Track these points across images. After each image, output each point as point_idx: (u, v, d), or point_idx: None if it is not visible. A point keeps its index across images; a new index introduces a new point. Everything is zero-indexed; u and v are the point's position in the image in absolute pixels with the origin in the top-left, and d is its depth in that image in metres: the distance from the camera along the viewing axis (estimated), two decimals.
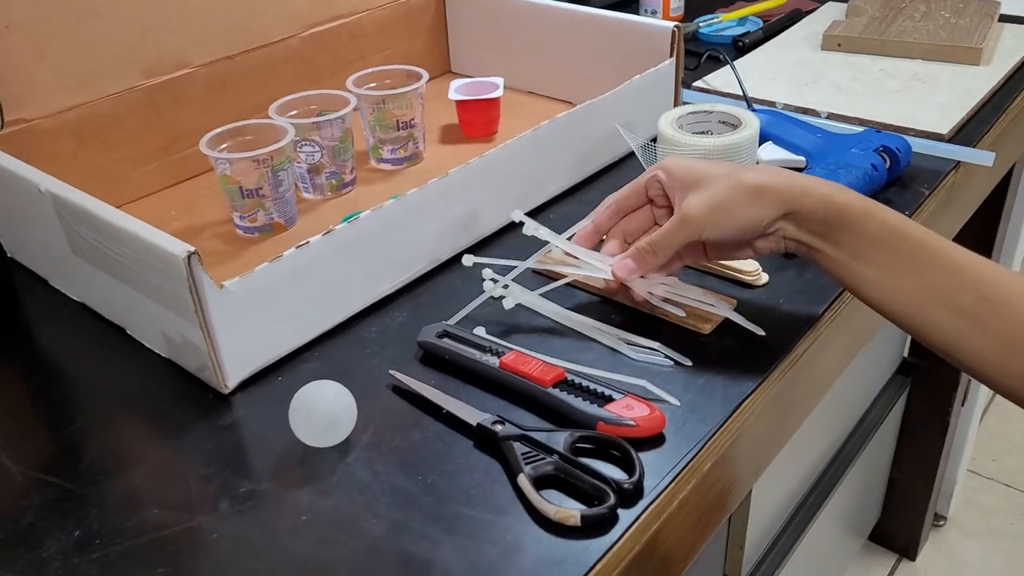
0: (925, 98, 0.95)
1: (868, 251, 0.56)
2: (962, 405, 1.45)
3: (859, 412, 1.27)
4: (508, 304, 0.66)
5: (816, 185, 0.58)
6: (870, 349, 1.21)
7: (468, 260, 0.68)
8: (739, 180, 0.58)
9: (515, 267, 0.67)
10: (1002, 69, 1.00)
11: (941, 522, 1.67)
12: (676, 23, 0.88)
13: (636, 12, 1.25)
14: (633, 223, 0.65)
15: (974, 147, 0.88)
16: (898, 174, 0.81)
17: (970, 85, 0.97)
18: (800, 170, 0.77)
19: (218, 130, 0.77)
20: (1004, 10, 1.13)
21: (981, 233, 1.24)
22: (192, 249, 0.55)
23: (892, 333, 1.31)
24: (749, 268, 0.70)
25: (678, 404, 0.57)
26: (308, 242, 0.62)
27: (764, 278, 0.69)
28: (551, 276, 0.68)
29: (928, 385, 1.39)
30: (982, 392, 1.51)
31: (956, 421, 1.44)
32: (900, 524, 1.55)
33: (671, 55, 0.89)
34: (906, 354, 1.39)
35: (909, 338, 1.38)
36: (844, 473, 1.20)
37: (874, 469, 1.42)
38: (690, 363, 0.60)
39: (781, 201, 0.58)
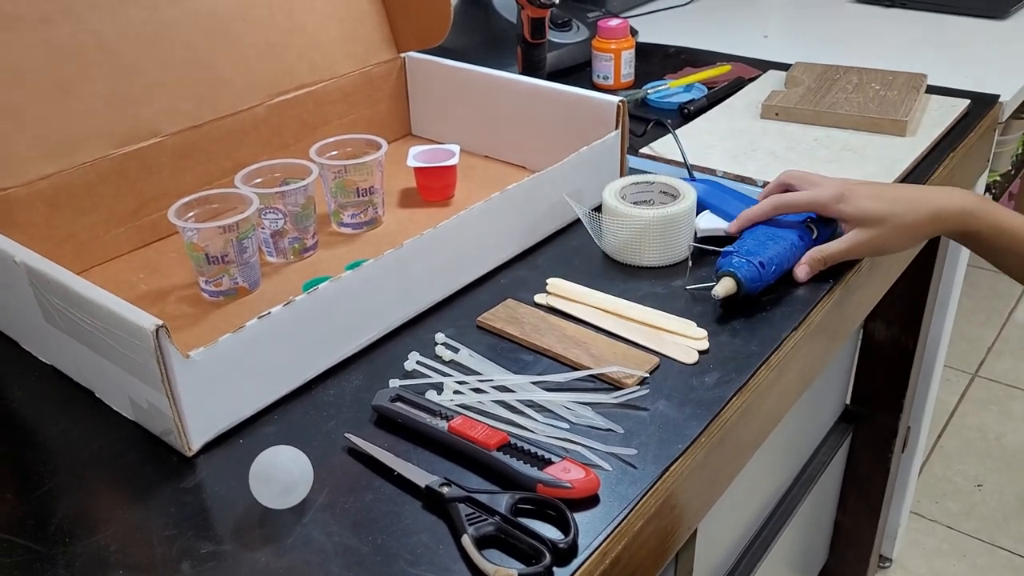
0: (854, 168, 1.01)
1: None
2: (902, 451, 1.51)
3: (804, 458, 1.33)
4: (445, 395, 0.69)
5: (940, 212, 0.80)
6: (814, 398, 1.27)
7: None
8: (899, 232, 0.81)
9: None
10: (926, 140, 1.07)
11: (886, 564, 1.73)
12: (621, 98, 0.94)
13: (589, 76, 1.32)
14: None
15: None
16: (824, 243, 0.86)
17: (896, 155, 1.04)
18: (732, 240, 0.83)
19: (185, 199, 0.81)
20: (932, 80, 1.21)
21: (913, 298, 1.32)
22: (160, 323, 0.59)
23: (835, 383, 1.37)
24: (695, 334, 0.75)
25: (610, 469, 0.61)
26: (269, 312, 0.66)
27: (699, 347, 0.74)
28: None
29: (869, 432, 1.46)
30: (922, 438, 1.57)
31: (897, 466, 1.50)
32: (847, 566, 1.60)
33: (616, 127, 0.95)
34: (848, 402, 1.46)
35: (851, 387, 1.45)
36: (791, 516, 1.25)
37: (820, 512, 1.48)
38: (622, 431, 0.65)
39: (923, 237, 0.83)
